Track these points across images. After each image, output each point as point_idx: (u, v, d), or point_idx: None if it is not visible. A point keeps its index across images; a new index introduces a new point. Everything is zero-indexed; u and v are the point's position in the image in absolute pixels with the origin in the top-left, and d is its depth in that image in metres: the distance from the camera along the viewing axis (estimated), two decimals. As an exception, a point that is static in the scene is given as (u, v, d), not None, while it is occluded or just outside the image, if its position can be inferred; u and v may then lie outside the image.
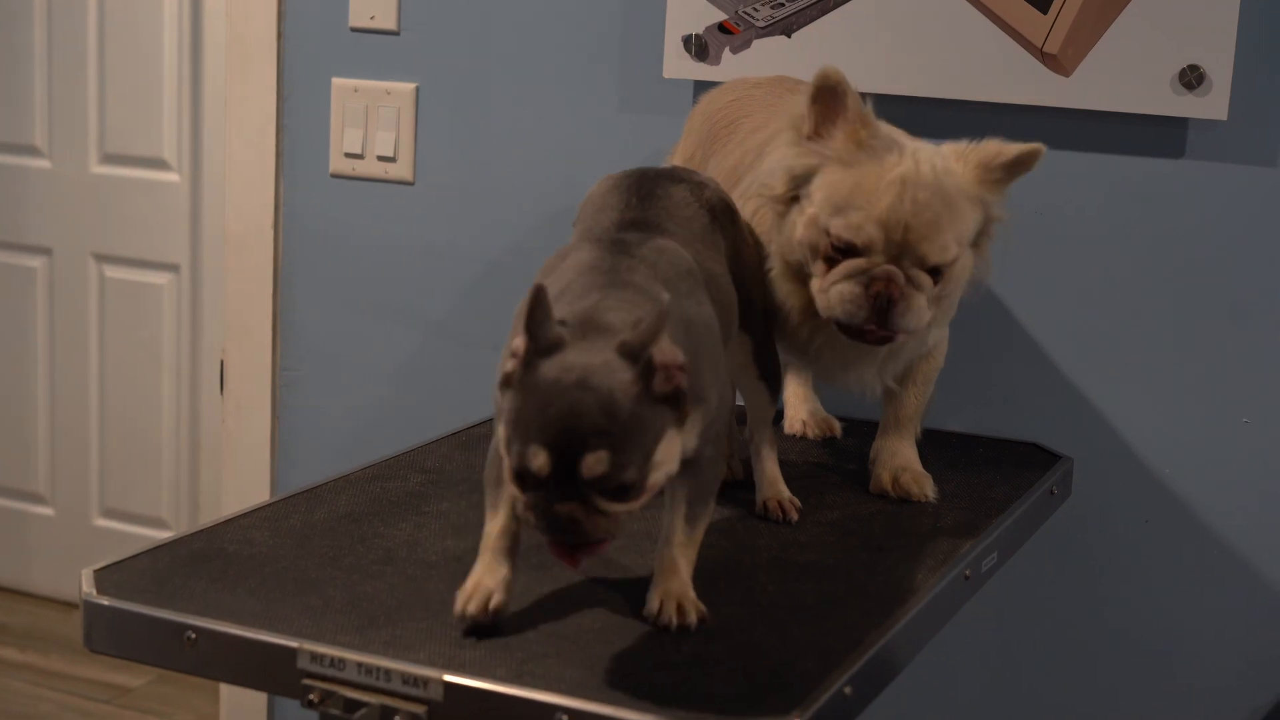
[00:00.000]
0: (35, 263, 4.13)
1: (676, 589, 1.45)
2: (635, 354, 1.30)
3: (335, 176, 2.52)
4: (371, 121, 2.46)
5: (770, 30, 2.19)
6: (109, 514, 4.11)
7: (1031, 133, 1.91)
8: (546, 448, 1.29)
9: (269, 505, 1.77)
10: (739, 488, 1.86)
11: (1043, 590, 2.19)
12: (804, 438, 2.10)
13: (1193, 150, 2.06)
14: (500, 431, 1.37)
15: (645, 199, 1.63)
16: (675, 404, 1.32)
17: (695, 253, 1.58)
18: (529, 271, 2.42)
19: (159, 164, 3.91)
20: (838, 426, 2.12)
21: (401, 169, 2.48)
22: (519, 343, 1.32)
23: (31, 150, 4.07)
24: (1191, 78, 2.01)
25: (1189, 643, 2.14)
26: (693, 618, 1.44)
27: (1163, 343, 2.11)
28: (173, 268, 3.93)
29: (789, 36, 2.18)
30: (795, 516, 1.77)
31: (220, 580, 1.54)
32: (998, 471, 2.00)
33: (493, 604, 1.44)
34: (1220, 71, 2.00)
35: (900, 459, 1.89)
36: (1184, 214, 2.08)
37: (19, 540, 4.20)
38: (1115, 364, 2.13)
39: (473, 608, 1.43)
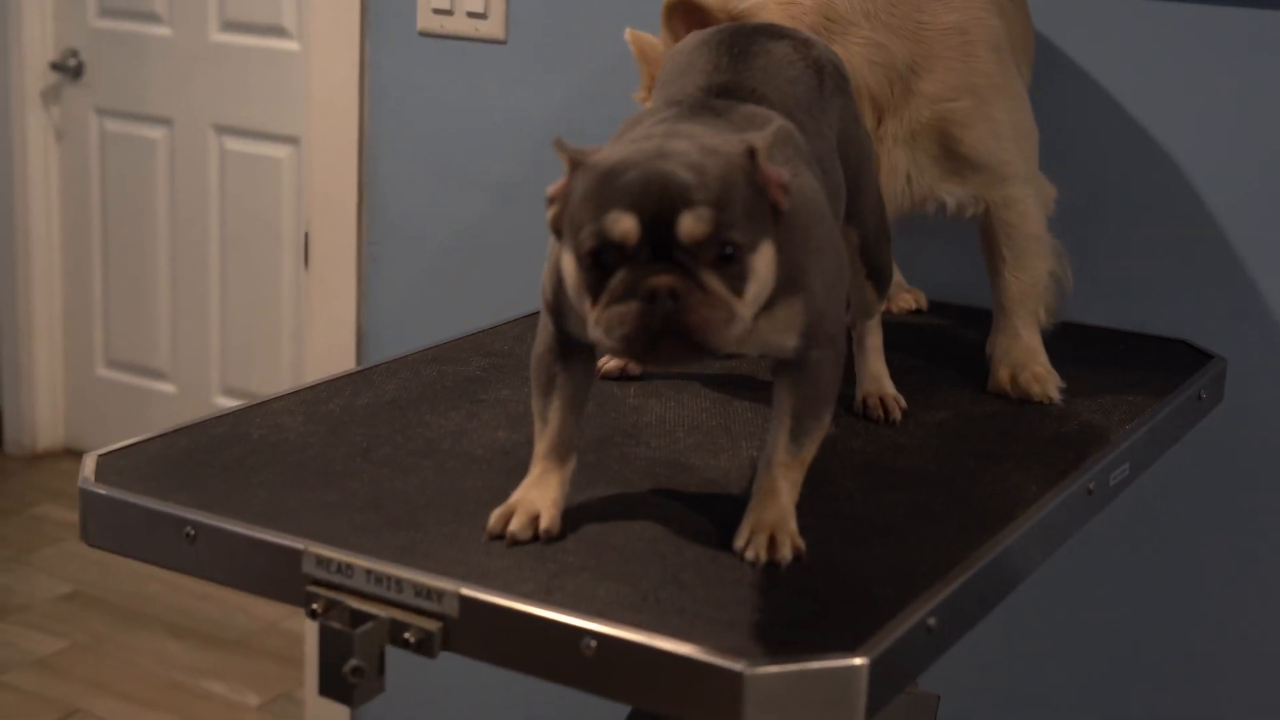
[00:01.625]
0: (156, 134, 4.02)
1: (772, 518, 1.24)
2: (739, 142, 1.14)
3: (424, 35, 2.33)
4: (461, -26, 2.27)
5: None
6: (230, 392, 4.01)
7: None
8: (632, 210, 1.10)
9: (310, 388, 1.61)
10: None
11: (1185, 509, 1.95)
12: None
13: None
14: (550, 289, 1.23)
15: (739, 58, 1.39)
16: (776, 214, 1.15)
17: (799, 124, 1.35)
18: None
19: (279, 31, 3.77)
20: (922, 298, 1.91)
21: (493, 26, 2.27)
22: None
23: (152, 17, 3.95)
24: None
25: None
26: (786, 552, 1.21)
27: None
28: (293, 140, 3.79)
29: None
30: (899, 416, 1.56)
31: (234, 470, 1.38)
32: (1138, 371, 1.76)
33: (542, 526, 1.25)
34: None
35: (1019, 353, 1.67)
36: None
37: (140, 417, 4.12)
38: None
39: (515, 526, 1.24)
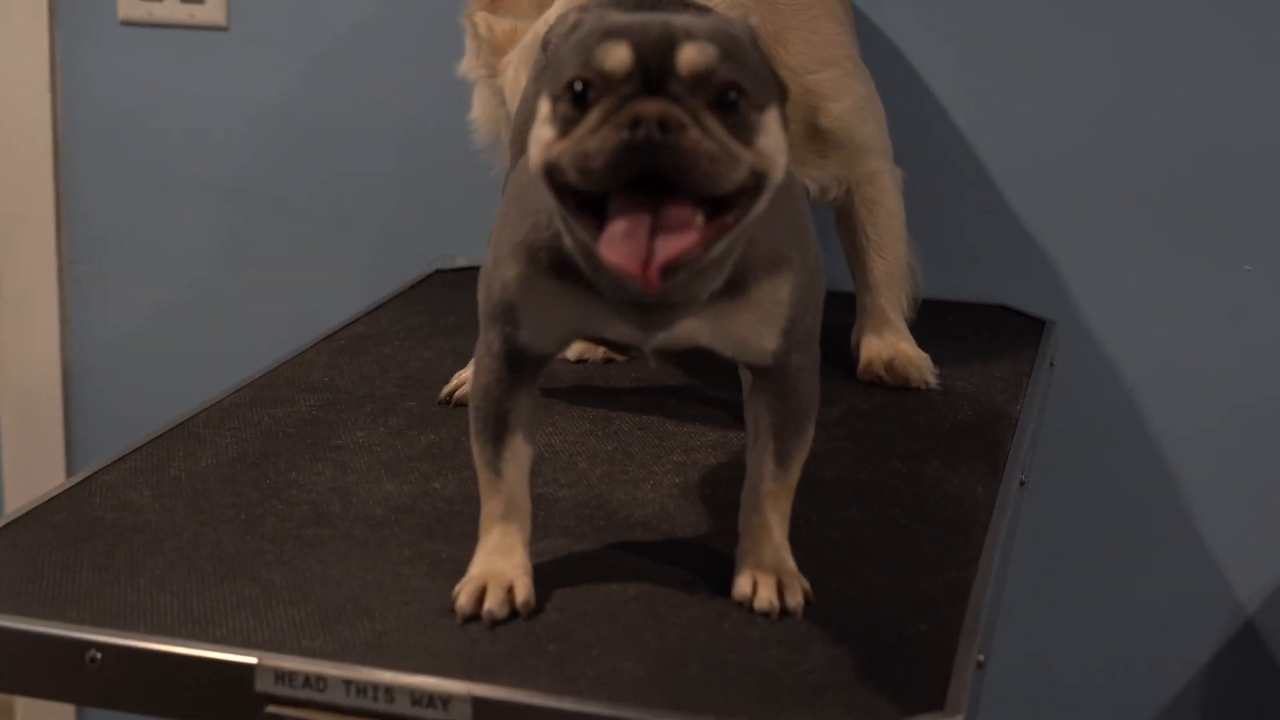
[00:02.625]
0: None
1: (771, 560, 1.11)
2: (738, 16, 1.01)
3: (127, 24, 2.06)
4: (169, -47, 2.01)
5: None
6: None
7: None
8: (626, 39, 0.94)
9: (134, 452, 1.38)
10: (716, 387, 1.54)
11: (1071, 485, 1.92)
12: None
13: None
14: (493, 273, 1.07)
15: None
16: (784, 97, 1.01)
17: None
18: (380, 134, 2.05)
19: None
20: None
21: (211, 11, 2.03)
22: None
23: None
24: None
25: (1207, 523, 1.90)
26: (798, 598, 1.09)
27: (1140, 178, 1.84)
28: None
29: None
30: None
31: (110, 568, 1.15)
32: (982, 342, 1.71)
33: (519, 599, 1.08)
34: None
35: (891, 338, 1.59)
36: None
37: None
38: (1075, 203, 1.85)
39: (492, 603, 1.07)
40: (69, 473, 2.19)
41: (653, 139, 0.91)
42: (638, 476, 1.33)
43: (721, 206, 0.95)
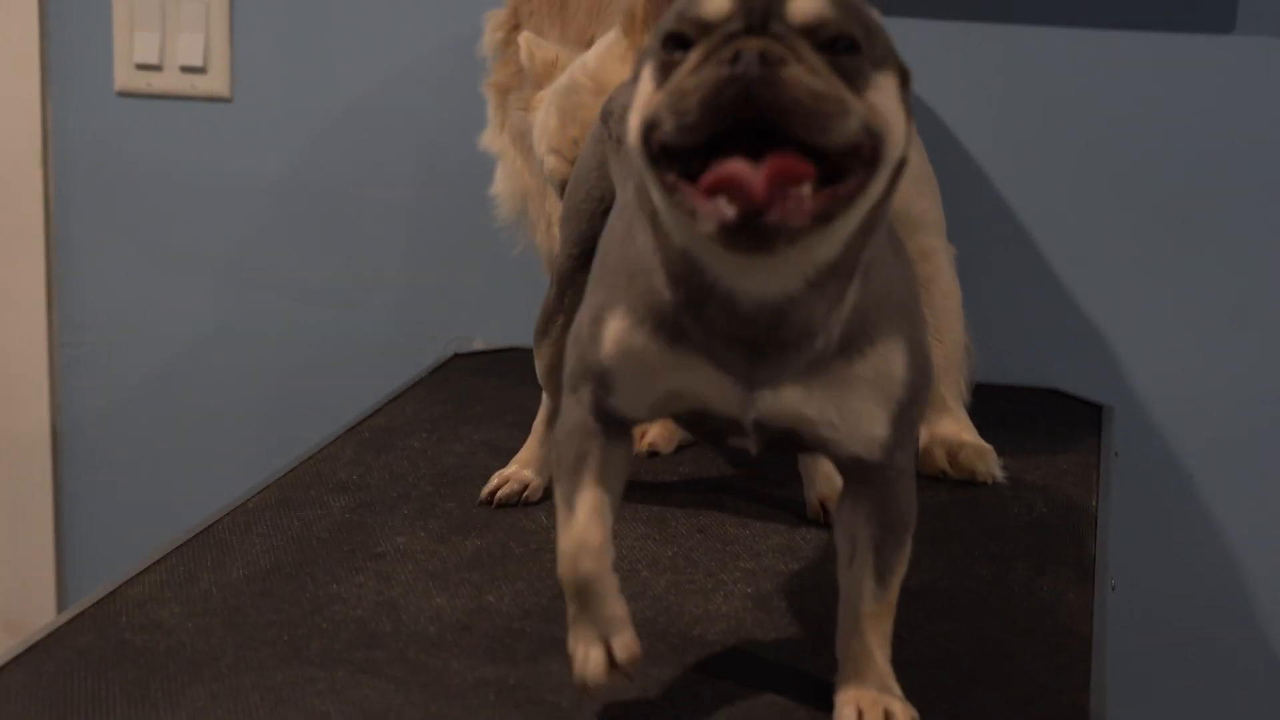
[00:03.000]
0: None
1: (875, 688, 1.01)
2: None
3: (123, 95, 1.96)
4: (171, 22, 1.91)
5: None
6: None
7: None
8: None
9: (159, 563, 1.27)
10: (771, 484, 1.45)
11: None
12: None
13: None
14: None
15: None
16: (904, 79, 0.90)
17: None
18: (390, 210, 1.95)
19: None
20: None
21: (214, 82, 1.94)
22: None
23: None
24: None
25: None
26: None
27: (1192, 255, 1.76)
28: None
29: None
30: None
31: (145, 699, 1.04)
32: (1039, 429, 1.62)
33: (626, 656, 0.99)
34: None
35: (952, 429, 1.50)
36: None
37: None
38: (1124, 280, 1.78)
39: (624, 657, 0.98)
40: (58, 558, 2.07)
41: (751, 72, 0.83)
42: (706, 587, 1.24)
43: (834, 176, 0.86)
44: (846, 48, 0.86)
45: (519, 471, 1.41)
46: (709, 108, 0.83)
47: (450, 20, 1.88)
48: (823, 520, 1.36)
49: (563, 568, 1.00)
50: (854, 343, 0.94)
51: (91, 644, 1.12)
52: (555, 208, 1.62)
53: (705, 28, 0.86)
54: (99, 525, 2.07)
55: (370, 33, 1.91)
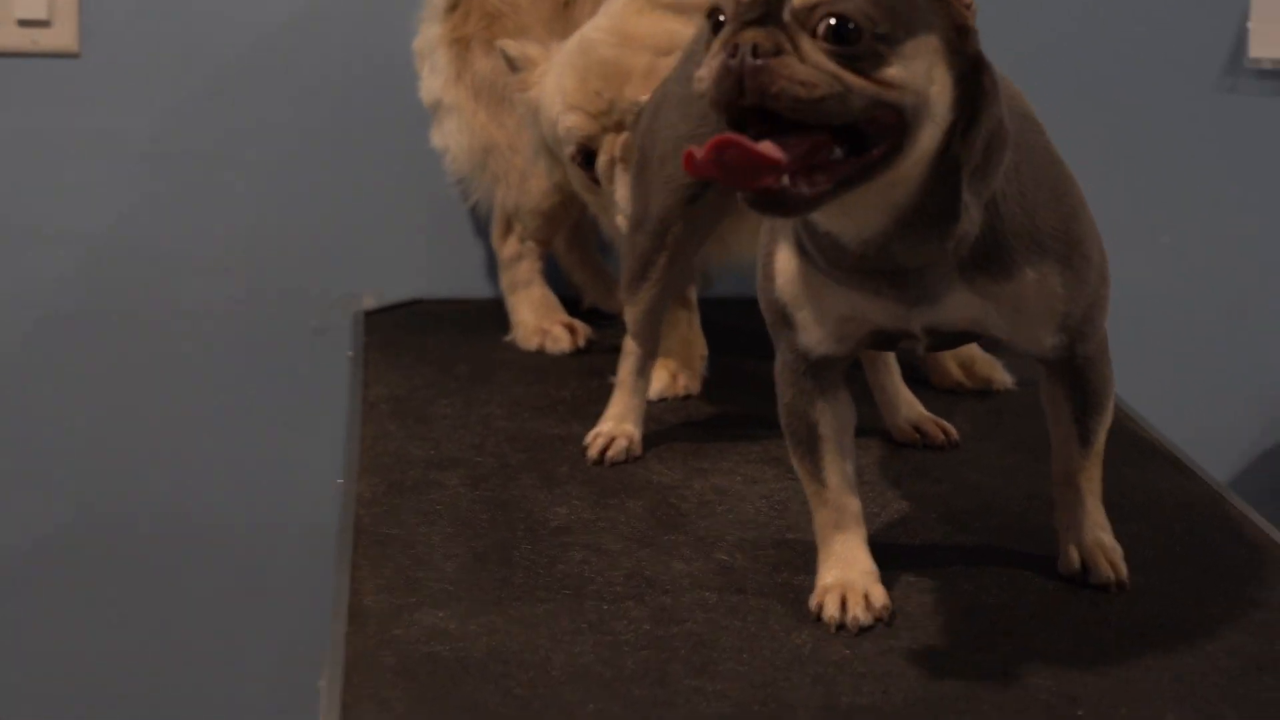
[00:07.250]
0: None
1: (1093, 532, 1.17)
2: None
3: (-49, 54, 1.73)
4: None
5: None
6: None
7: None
8: None
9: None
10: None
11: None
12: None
13: None
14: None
15: None
16: (961, 33, 0.99)
17: None
18: (264, 167, 1.78)
19: None
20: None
21: (60, 36, 1.76)
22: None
23: None
24: None
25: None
26: (1123, 570, 1.16)
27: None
28: None
29: None
30: (956, 435, 1.44)
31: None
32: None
33: (878, 605, 1.11)
34: None
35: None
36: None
37: None
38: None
39: (857, 610, 1.10)
40: None
41: (744, 64, 0.94)
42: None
43: (865, 145, 0.96)
44: (851, 29, 0.95)
45: (618, 426, 1.40)
46: (714, 94, 0.95)
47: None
48: (919, 442, 1.43)
49: (827, 527, 1.13)
50: (1002, 261, 1.05)
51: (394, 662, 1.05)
52: (528, 163, 1.60)
53: (733, 9, 0.96)
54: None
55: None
